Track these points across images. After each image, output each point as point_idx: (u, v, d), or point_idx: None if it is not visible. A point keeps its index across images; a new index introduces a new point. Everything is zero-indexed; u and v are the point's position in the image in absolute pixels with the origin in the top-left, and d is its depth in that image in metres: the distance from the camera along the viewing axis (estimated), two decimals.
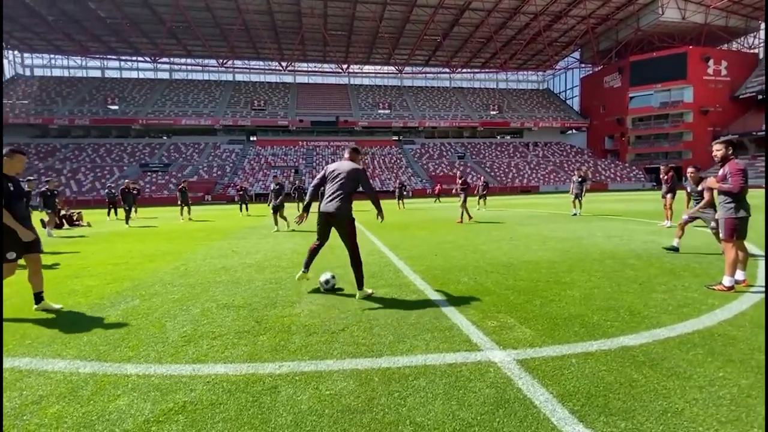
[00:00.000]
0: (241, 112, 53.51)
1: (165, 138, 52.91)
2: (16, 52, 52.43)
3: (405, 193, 22.90)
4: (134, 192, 13.67)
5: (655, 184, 45.37)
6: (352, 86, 62.81)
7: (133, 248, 7.89)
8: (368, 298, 3.89)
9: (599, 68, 56.61)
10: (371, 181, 10.43)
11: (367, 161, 48.66)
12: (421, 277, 4.67)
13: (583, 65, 60.40)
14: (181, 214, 15.01)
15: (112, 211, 15.83)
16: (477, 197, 16.95)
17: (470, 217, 12.05)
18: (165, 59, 55.80)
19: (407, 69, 61.41)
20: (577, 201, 13.22)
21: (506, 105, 61.23)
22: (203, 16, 44.56)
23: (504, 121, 57.81)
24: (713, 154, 3.94)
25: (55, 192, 10.16)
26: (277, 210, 10.16)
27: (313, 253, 4.18)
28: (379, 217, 4.23)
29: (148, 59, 54.79)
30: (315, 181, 4.14)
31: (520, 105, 61.95)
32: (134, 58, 55.29)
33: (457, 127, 57.62)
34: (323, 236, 4.07)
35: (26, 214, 3.58)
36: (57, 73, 56.30)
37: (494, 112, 58.82)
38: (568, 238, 7.64)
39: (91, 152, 46.48)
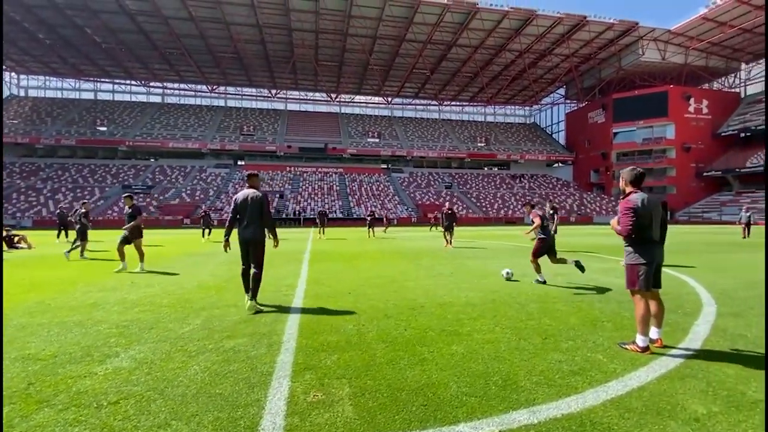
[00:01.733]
0: (230, 136, 53.68)
1: (152, 160, 52.60)
2: (12, 73, 52.81)
3: (390, 220, 22.44)
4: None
5: None
6: (342, 115, 63.70)
7: (33, 274, 7.14)
8: (258, 312, 4.39)
9: (584, 104, 58.02)
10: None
11: (354, 188, 48.51)
12: (299, 324, 3.98)
13: (568, 101, 61.96)
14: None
15: (62, 233, 15.04)
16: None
17: (449, 244, 12.92)
18: (158, 84, 56.47)
19: (397, 100, 62.59)
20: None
21: (493, 138, 62.13)
22: (196, 43, 45.39)
23: (491, 153, 58.42)
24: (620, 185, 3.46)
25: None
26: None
27: (247, 277, 4.60)
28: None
29: (140, 83, 55.38)
30: (231, 214, 4.68)
31: (507, 138, 62.90)
32: (127, 82, 55.85)
33: (445, 158, 58.06)
34: (246, 259, 4.66)
35: None
36: (51, 94, 56.64)
37: (482, 144, 59.55)
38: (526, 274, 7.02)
39: (74, 172, 45.90)
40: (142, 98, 59.97)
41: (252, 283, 4.49)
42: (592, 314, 4.36)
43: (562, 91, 61.73)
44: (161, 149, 51.25)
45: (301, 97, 63.08)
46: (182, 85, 58.03)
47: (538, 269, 6.36)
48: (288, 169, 52.54)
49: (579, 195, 52.95)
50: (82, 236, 9.67)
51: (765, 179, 34.43)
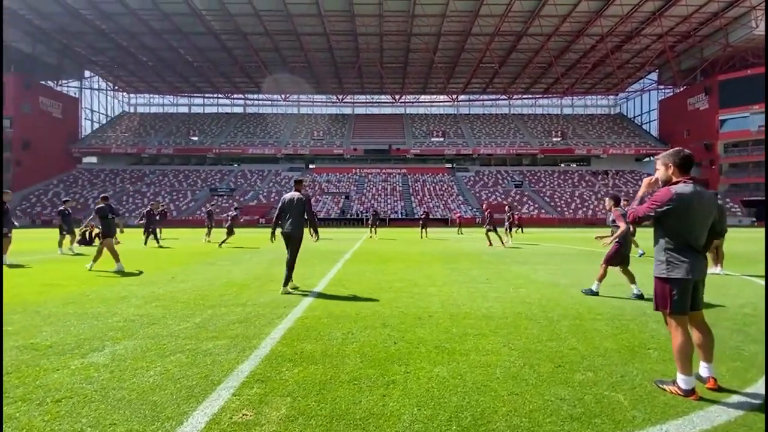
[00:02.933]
0: (301, 141, 56.80)
1: (235, 165, 57.80)
2: (124, 93, 62.07)
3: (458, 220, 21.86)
4: (156, 215, 14.44)
5: (755, 219, 38.11)
6: (407, 115, 63.65)
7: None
8: (290, 293, 5.32)
9: (681, 89, 50.53)
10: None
11: (417, 188, 48.12)
12: (289, 327, 3.79)
13: (661, 86, 54.46)
14: (206, 236, 16.08)
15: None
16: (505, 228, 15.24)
17: (490, 244, 12.67)
18: (239, 95, 61.95)
19: (463, 97, 60.72)
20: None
21: (571, 131, 57.10)
22: (272, 56, 48.76)
23: (568, 148, 53.75)
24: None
25: (67, 211, 10.97)
26: None
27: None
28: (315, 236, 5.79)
29: (225, 96, 61.28)
30: (278, 212, 5.54)
31: (588, 131, 57.34)
32: (214, 95, 62.16)
33: (515, 155, 54.82)
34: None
35: None
36: (154, 110, 65.30)
37: (557, 139, 55.07)
38: (555, 284, 6.14)
39: (172, 177, 52.26)
40: (227, 109, 66.24)
41: (287, 271, 5.40)
42: (639, 338, 3.51)
43: (654, 75, 54.49)
44: (242, 155, 56.06)
45: (367, 101, 64.40)
46: (260, 96, 62.91)
47: (601, 277, 5.36)
48: (354, 170, 53.97)
49: None
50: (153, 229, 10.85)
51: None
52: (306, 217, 5.50)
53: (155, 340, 3.43)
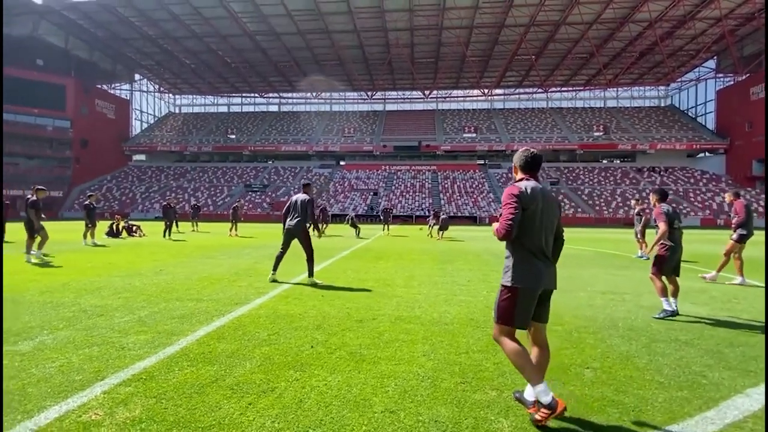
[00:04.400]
0: (332, 139, 57.57)
1: (269, 162, 59.71)
2: (170, 94, 65.90)
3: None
4: (175, 208, 15.15)
5: None
6: (438, 111, 62.62)
7: (114, 257, 8.52)
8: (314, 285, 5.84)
9: (743, 77, 45.76)
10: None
11: (447, 185, 47.27)
12: (221, 325, 3.77)
13: (720, 75, 49.63)
14: (231, 230, 16.85)
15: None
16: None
17: None
18: (274, 94, 63.80)
19: (497, 91, 58.76)
20: (642, 241, 10.52)
21: (615, 125, 53.59)
22: (304, 55, 49.70)
23: (611, 143, 50.51)
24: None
25: (92, 205, 11.75)
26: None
27: (279, 259, 6.23)
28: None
29: (260, 95, 63.37)
30: (284, 210, 6.27)
31: (633, 125, 53.55)
32: (251, 95, 64.45)
33: (552, 150, 52.28)
34: (287, 246, 6.26)
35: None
36: (197, 110, 68.80)
37: (599, 133, 51.91)
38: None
39: (211, 174, 54.91)
40: (263, 108, 68.44)
41: (308, 264, 6.12)
42: (584, 355, 3.16)
43: (711, 63, 49.79)
44: (276, 152, 57.78)
45: (399, 97, 64.09)
46: (294, 94, 64.49)
47: (663, 291, 4.35)
48: (383, 167, 53.97)
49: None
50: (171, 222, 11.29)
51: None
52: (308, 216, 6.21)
53: (88, 331, 3.53)
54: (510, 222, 2.13)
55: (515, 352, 2.17)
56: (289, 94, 64.50)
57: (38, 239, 8.12)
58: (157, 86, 62.49)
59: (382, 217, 19.99)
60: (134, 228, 15.38)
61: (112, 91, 57.41)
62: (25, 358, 2.89)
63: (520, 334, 2.28)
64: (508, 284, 2.21)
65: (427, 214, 40.18)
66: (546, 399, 2.02)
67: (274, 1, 37.73)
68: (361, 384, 2.57)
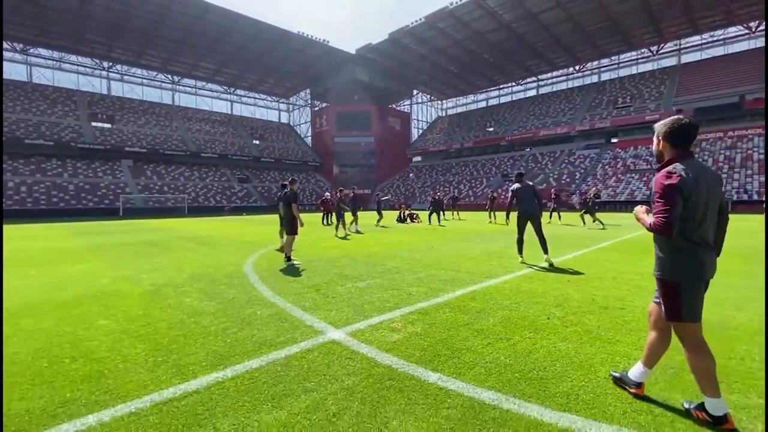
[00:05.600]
0: (600, 113, 50.05)
1: (527, 150, 58.58)
2: (438, 101, 75.79)
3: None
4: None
5: None
6: None
7: (403, 239, 11.38)
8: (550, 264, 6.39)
9: None
10: None
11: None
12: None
13: None
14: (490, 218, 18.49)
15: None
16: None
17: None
18: (531, 78, 61.72)
19: None
20: None
21: None
22: (563, 27, 45.57)
23: None
24: None
25: (344, 199, 14.69)
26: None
27: (520, 243, 6.93)
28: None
29: (516, 83, 62.82)
30: (511, 200, 7.03)
31: None
32: (508, 85, 65.00)
33: None
34: (522, 230, 6.89)
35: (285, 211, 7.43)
36: (459, 110, 75.92)
37: None
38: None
39: (471, 167, 59.62)
40: (520, 96, 67.50)
41: (542, 244, 6.66)
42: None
43: None
44: (533, 138, 55.95)
45: (702, 42, 47.81)
46: (553, 73, 60.11)
47: None
48: None
49: None
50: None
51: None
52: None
53: (390, 281, 5.27)
54: (668, 218, 1.91)
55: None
56: (548, 75, 60.75)
57: (347, 220, 11.83)
58: (428, 96, 73.42)
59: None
60: (414, 216, 19.36)
61: (397, 108, 72.15)
62: (362, 291, 4.76)
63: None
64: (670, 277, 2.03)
65: (755, 197, 28.47)
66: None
67: None
68: (591, 354, 2.78)
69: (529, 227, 6.77)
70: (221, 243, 10.67)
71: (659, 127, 2.12)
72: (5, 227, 19.87)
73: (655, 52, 48.47)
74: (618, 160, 44.25)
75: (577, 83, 60.54)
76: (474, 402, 2.17)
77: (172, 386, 2.37)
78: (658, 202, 1.98)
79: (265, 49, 51.69)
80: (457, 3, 41.59)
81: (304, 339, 3.14)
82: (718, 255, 2.10)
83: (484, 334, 3.20)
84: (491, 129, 61.63)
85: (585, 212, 15.11)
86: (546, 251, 6.55)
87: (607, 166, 44.00)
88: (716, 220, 2.05)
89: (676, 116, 2.09)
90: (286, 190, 7.47)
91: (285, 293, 4.68)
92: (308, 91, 70.61)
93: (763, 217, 18.55)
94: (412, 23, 46.59)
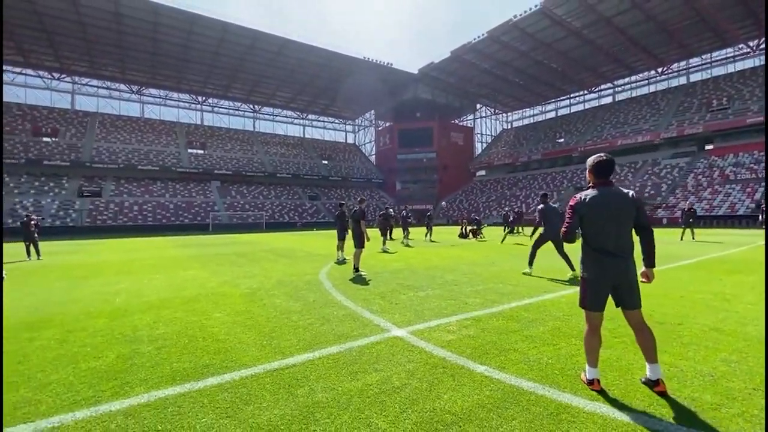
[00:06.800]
0: (691, 118, 45.17)
1: None
2: (502, 114, 74.14)
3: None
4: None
5: None
6: None
7: (463, 253, 11.68)
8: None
9: None
10: None
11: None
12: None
13: None
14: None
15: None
16: None
17: None
18: (607, 84, 57.97)
19: None
20: None
21: None
22: (643, 28, 42.47)
23: None
24: None
25: (372, 212, 15.73)
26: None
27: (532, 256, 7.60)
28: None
29: (589, 91, 59.35)
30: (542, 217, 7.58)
31: None
32: (579, 93, 61.66)
33: None
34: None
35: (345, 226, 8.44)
36: (526, 122, 73.44)
37: None
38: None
39: (540, 180, 57.03)
40: (593, 103, 63.48)
41: (565, 260, 7.19)
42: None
43: None
44: (610, 148, 51.97)
45: None
46: (632, 78, 55.87)
47: None
48: None
49: None
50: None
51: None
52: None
53: (449, 292, 5.73)
54: (564, 229, 2.67)
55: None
56: (625, 80, 56.58)
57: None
58: (492, 110, 72.28)
59: (682, 219, 14.78)
60: (477, 232, 19.33)
61: (460, 123, 72.00)
62: (422, 299, 5.30)
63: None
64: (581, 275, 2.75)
65: None
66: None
67: None
68: (632, 361, 3.03)
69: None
70: (298, 255, 11.91)
71: (588, 161, 2.78)
72: (128, 240, 23.81)
73: (755, 48, 42.83)
74: (714, 169, 39.45)
75: (661, 87, 55.50)
76: (514, 388, 2.61)
77: (276, 360, 3.14)
78: (565, 216, 2.73)
79: (334, 77, 55.45)
80: (522, 15, 41.06)
81: (373, 334, 3.78)
82: (650, 264, 2.61)
83: (531, 340, 3.56)
84: (561, 140, 58.69)
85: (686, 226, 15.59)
86: (572, 268, 6.97)
87: (700, 176, 39.45)
88: (624, 233, 2.56)
89: (599, 154, 2.72)
90: (355, 208, 8.34)
91: (355, 298, 5.40)
92: (373, 111, 73.67)
93: None
94: (474, 39, 46.80)
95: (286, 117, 71.00)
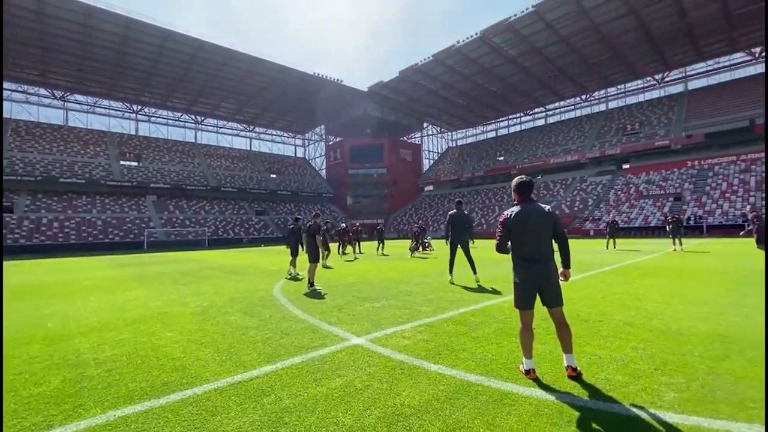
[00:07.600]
0: (610, 140, 50.79)
1: (538, 177, 59.20)
2: (448, 132, 77.84)
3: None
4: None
5: None
6: None
7: (418, 266, 12.12)
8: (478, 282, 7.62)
9: None
10: None
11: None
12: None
13: None
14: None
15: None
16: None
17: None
18: (539, 108, 63.36)
19: None
20: None
21: None
22: (568, 60, 47.38)
23: None
24: None
25: (325, 228, 15.99)
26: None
27: (451, 264, 8.20)
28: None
29: (524, 113, 64.52)
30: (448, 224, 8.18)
31: None
32: (516, 115, 66.76)
33: None
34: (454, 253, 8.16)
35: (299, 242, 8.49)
36: (470, 140, 77.66)
37: None
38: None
39: (483, 196, 60.36)
40: (529, 125, 68.99)
41: (471, 267, 7.89)
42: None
43: None
44: (544, 167, 56.69)
45: (708, 69, 48.82)
46: (561, 102, 61.68)
47: None
48: (688, 164, 42.34)
49: None
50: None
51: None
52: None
53: (402, 302, 6.02)
54: (497, 242, 3.15)
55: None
56: (555, 105, 62.35)
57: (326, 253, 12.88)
58: (438, 128, 75.64)
59: (607, 231, 17.71)
60: (427, 245, 20.08)
61: (409, 140, 74.39)
62: (378, 309, 5.52)
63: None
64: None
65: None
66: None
67: (529, 21, 38.86)
68: (560, 354, 3.48)
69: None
70: (248, 272, 11.61)
71: (512, 182, 3.25)
72: (46, 261, 21.38)
73: (660, 80, 49.62)
74: (631, 186, 44.48)
75: (585, 112, 61.84)
76: (464, 382, 2.92)
77: (239, 374, 3.19)
78: (496, 230, 3.19)
79: (283, 90, 54.90)
80: (464, 41, 43.98)
81: (333, 344, 3.94)
82: (567, 265, 3.11)
83: (478, 340, 3.93)
84: (501, 158, 62.75)
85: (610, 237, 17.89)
86: (474, 271, 7.75)
87: (620, 192, 44.23)
88: (544, 241, 3.03)
89: (520, 176, 3.21)
90: (310, 223, 8.42)
91: (313, 312, 5.49)
92: (323, 126, 73.72)
93: None
94: (421, 61, 49.11)
95: (231, 129, 68.58)
